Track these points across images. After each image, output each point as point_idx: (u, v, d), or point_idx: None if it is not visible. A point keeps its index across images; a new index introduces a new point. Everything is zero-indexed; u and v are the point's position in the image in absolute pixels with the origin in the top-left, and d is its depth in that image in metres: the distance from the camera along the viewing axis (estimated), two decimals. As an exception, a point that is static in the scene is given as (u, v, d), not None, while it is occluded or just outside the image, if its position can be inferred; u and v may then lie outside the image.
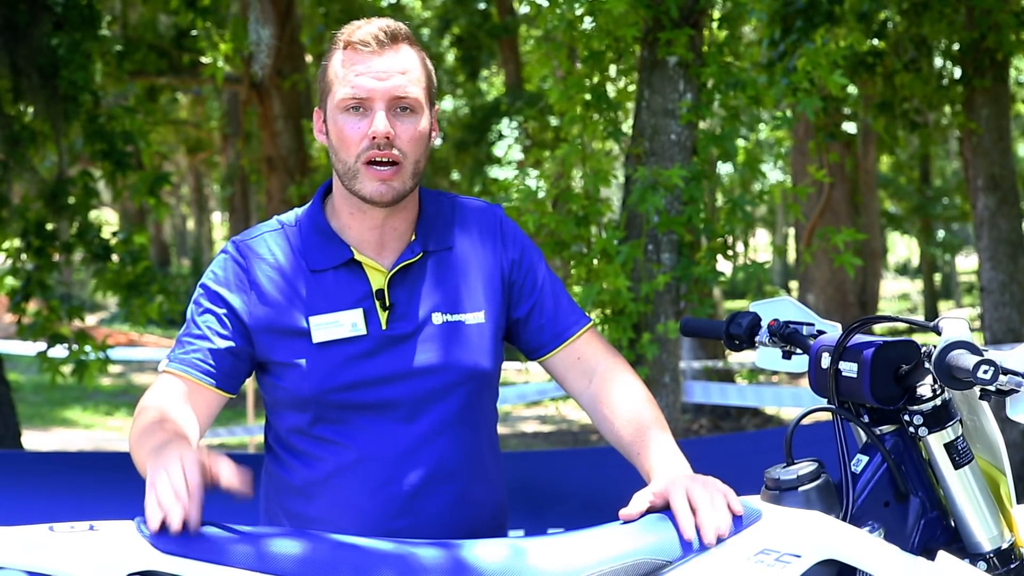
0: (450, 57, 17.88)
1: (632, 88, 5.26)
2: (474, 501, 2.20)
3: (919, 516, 2.05)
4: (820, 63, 4.92)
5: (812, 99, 4.99)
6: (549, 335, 2.28)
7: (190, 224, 36.85)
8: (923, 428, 2.03)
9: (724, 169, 13.07)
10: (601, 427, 2.24)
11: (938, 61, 9.48)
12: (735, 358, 13.38)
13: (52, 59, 6.77)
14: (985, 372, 1.83)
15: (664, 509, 1.95)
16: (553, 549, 1.88)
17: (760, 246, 40.50)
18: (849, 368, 2.05)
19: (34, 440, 11.25)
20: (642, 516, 1.95)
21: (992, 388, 1.88)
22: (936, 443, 2.04)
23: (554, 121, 11.57)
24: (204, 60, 10.08)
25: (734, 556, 1.87)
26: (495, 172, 15.43)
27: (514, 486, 2.66)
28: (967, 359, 1.85)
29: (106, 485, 3.73)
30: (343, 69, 2.13)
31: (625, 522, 1.94)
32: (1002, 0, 7.76)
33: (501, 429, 11.20)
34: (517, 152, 15.58)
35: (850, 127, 10.51)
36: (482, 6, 15.61)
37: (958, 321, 1.95)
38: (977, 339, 2.27)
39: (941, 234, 26.92)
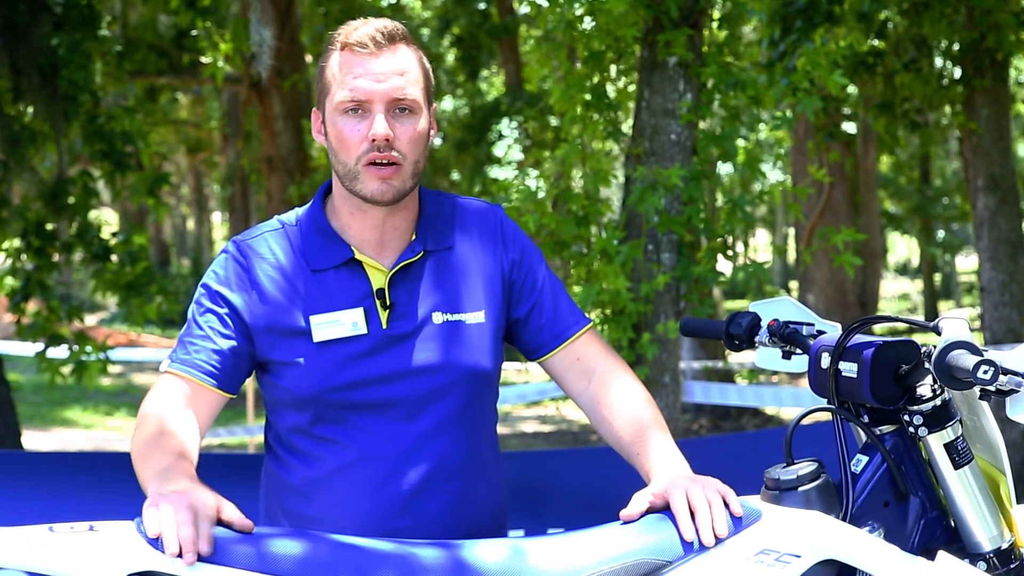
0: (450, 57, 17.88)
1: (632, 88, 5.26)
2: (474, 501, 2.20)
3: (919, 516, 2.05)
4: (820, 63, 4.92)
5: (812, 99, 4.99)
6: (548, 335, 2.29)
7: (190, 224, 36.86)
8: (923, 428, 2.03)
9: (724, 169, 13.08)
10: (600, 428, 2.24)
11: (938, 61, 9.48)
12: (735, 358, 13.39)
13: (52, 59, 6.77)
14: (985, 372, 1.83)
15: (664, 509, 1.95)
16: (553, 549, 1.88)
17: (760, 246, 40.49)
18: (849, 368, 2.05)
19: (34, 440, 11.25)
20: (642, 516, 1.95)
21: (992, 388, 1.88)
22: (936, 443, 2.04)
23: (554, 121, 11.57)
24: (204, 60, 10.08)
25: (734, 556, 1.87)
26: (495, 172, 15.43)
27: (514, 486, 2.66)
28: (967, 359, 1.85)
29: (106, 485, 3.73)
30: (341, 71, 2.13)
31: (625, 522, 1.94)
32: (1002, 0, 7.76)
33: (501, 429, 11.20)
34: (517, 152, 15.58)
35: (850, 127, 10.52)
36: (482, 6, 15.60)
37: (958, 321, 1.95)
38: (977, 339, 2.27)
39: (941, 234, 26.92)
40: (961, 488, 2.05)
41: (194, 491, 1.81)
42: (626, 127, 5.63)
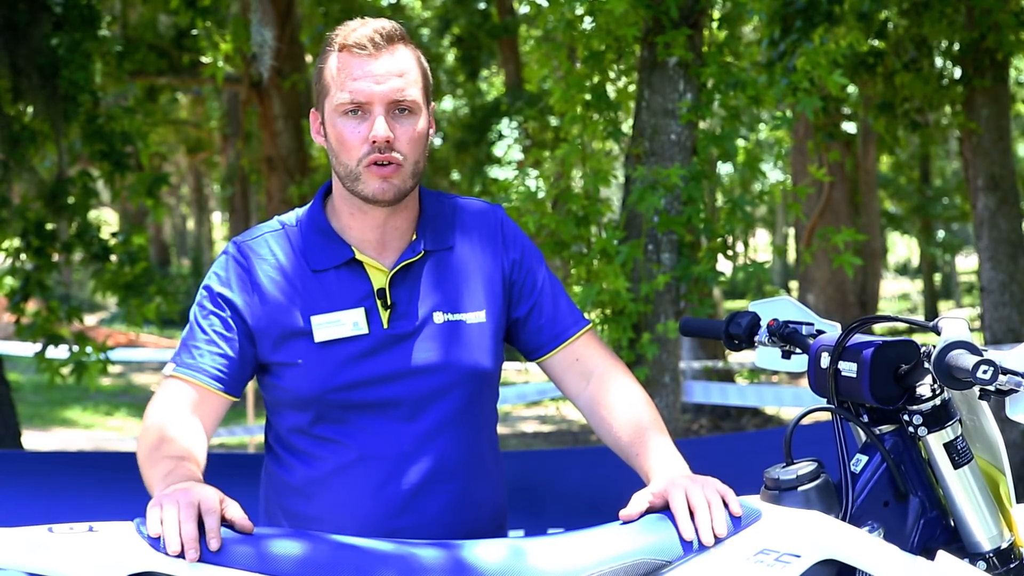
0: (450, 57, 17.88)
1: (632, 88, 5.26)
2: (474, 501, 2.20)
3: (919, 516, 2.05)
4: (820, 63, 4.92)
5: (812, 99, 4.99)
6: (548, 336, 2.29)
7: (190, 224, 36.86)
8: (923, 428, 2.03)
9: (724, 169, 13.07)
10: (598, 429, 2.24)
11: (938, 61, 9.48)
12: (735, 358, 13.39)
13: (52, 59, 6.78)
14: (984, 372, 1.83)
15: (663, 509, 1.95)
16: (553, 549, 1.88)
17: (760, 246, 40.48)
18: (848, 368, 2.05)
19: (34, 440, 11.25)
20: (641, 516, 1.95)
21: (991, 388, 1.88)
22: (935, 443, 2.04)
23: (554, 121, 11.57)
24: (204, 60, 10.08)
25: (734, 556, 1.87)
26: (495, 172, 15.42)
27: (514, 486, 2.66)
28: (966, 359, 1.85)
29: (106, 485, 3.73)
30: (340, 73, 2.12)
31: (625, 522, 1.94)
32: (1002, 0, 7.76)
33: (501, 429, 11.20)
34: (517, 152, 15.57)
35: (850, 127, 10.52)
36: (482, 6, 15.60)
37: (957, 321, 1.95)
38: (977, 339, 2.27)
39: (941, 234, 26.92)
40: (961, 488, 2.05)
41: (196, 488, 1.81)
42: (626, 127, 5.63)
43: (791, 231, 20.77)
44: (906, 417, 2.05)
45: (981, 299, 8.34)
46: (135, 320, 7.28)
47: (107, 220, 27.08)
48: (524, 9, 12.84)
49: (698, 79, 4.96)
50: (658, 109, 4.95)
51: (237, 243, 2.21)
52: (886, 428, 2.07)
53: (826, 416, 2.12)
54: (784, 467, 2.01)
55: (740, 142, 5.40)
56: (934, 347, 1.90)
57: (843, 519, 1.99)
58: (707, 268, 4.88)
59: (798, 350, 2.31)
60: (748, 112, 5.51)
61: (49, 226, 7.17)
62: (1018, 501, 2.14)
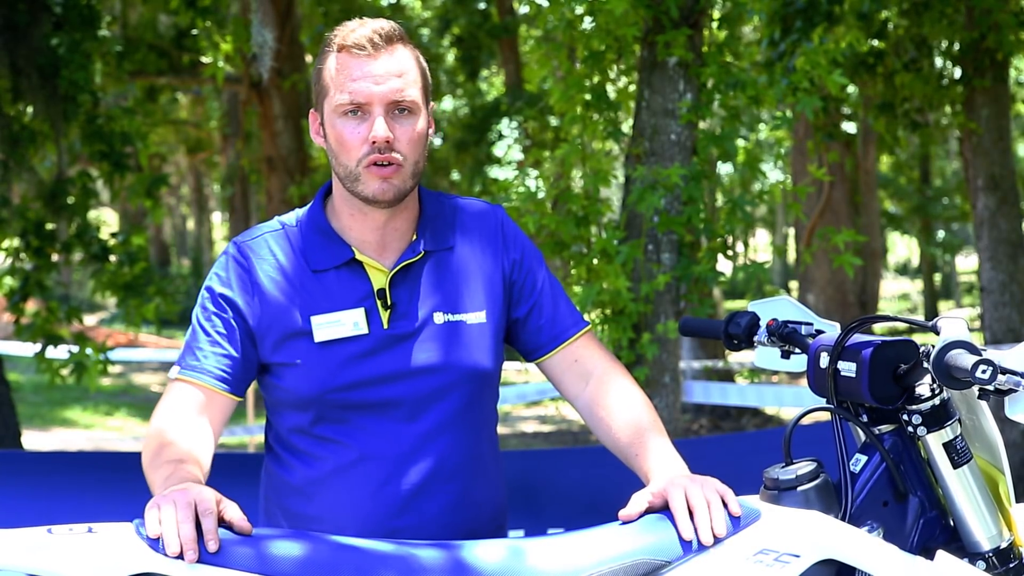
0: (450, 57, 17.88)
1: (632, 88, 5.26)
2: (474, 501, 2.20)
3: (918, 515, 2.05)
4: (819, 63, 4.92)
5: (812, 99, 4.99)
6: (547, 337, 2.29)
7: (190, 224, 36.86)
8: (922, 428, 2.03)
9: (724, 169, 13.08)
10: (597, 430, 2.23)
11: (938, 61, 9.48)
12: (735, 358, 13.40)
13: (52, 59, 6.78)
14: (983, 372, 1.83)
15: (663, 509, 1.95)
16: (553, 549, 1.88)
17: (760, 246, 40.49)
18: (848, 368, 2.05)
19: (34, 440, 11.25)
20: (641, 516, 1.95)
21: (990, 388, 1.88)
22: (935, 442, 2.04)
23: (554, 121, 11.57)
24: (204, 60, 10.08)
25: (733, 556, 1.87)
26: (495, 172, 15.43)
27: (514, 486, 2.66)
28: (965, 359, 1.85)
29: (106, 485, 3.73)
30: (339, 73, 2.12)
31: (624, 522, 1.94)
32: (1002, 0, 7.76)
33: (501, 429, 11.20)
34: (517, 152, 15.58)
35: (850, 127, 10.52)
36: (482, 6, 15.60)
37: (956, 321, 1.95)
38: (977, 339, 2.27)
39: (941, 234, 26.92)
40: (960, 487, 2.05)
41: (194, 489, 1.81)
42: (626, 127, 5.63)
43: (791, 231, 20.78)
44: (905, 417, 2.05)
45: (981, 299, 8.34)
46: (134, 321, 7.28)
47: (106, 221, 27.08)
48: (524, 9, 12.84)
49: (698, 79, 4.96)
50: (658, 109, 4.95)
51: (237, 243, 2.21)
52: (885, 428, 2.08)
53: (825, 416, 2.12)
54: (783, 467, 2.01)
55: (740, 142, 5.40)
56: (933, 347, 1.90)
57: (842, 519, 1.99)
58: (707, 268, 4.88)
59: (797, 350, 2.31)
60: (748, 112, 5.51)
61: (49, 226, 7.17)
62: (1017, 501, 2.14)
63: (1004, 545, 2.08)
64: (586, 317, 3.92)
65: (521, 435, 12.75)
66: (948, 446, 2.04)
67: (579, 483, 3.96)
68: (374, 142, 2.09)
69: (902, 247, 40.18)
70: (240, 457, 4.19)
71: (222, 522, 1.79)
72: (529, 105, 12.97)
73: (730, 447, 4.53)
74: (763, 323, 2.35)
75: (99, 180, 7.62)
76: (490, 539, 1.96)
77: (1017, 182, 8.45)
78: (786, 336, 2.30)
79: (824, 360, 2.12)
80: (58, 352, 7.13)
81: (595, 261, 4.91)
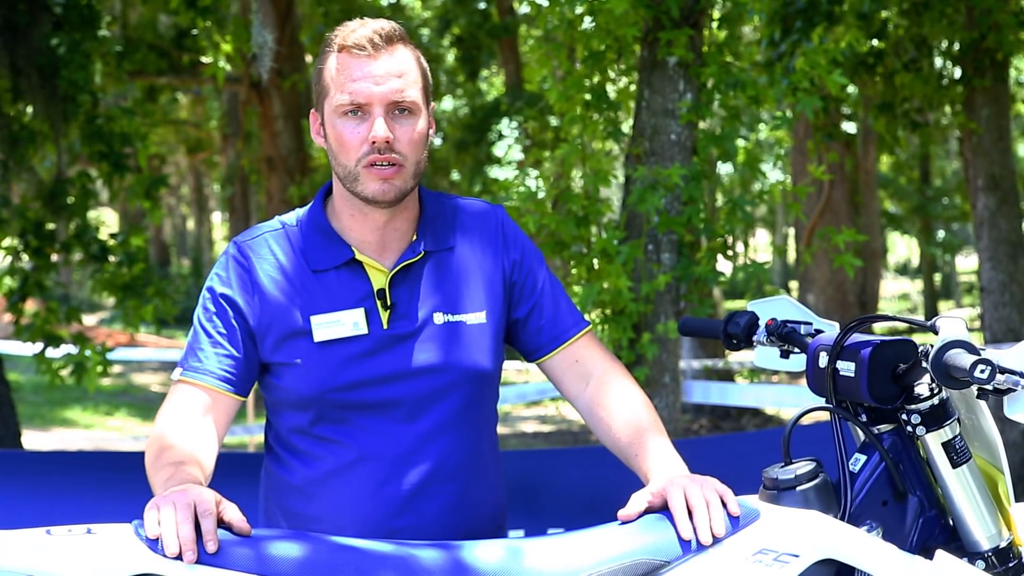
0: (450, 57, 17.88)
1: (632, 88, 5.26)
2: (474, 501, 2.20)
3: (917, 515, 2.05)
4: (819, 63, 4.92)
5: (812, 99, 4.99)
6: (547, 337, 2.29)
7: (190, 224, 36.86)
8: (921, 427, 2.03)
9: (724, 169, 13.08)
10: (597, 430, 2.23)
11: (938, 61, 9.48)
12: (735, 357, 13.39)
13: (52, 59, 6.78)
14: (982, 371, 1.83)
15: (662, 509, 1.95)
16: (552, 550, 1.88)
17: (760, 246, 40.49)
18: (847, 367, 2.06)
19: (34, 440, 11.25)
20: (640, 516, 1.95)
21: (989, 387, 1.88)
22: (934, 442, 2.04)
23: (554, 121, 11.57)
24: (204, 60, 10.08)
25: (732, 556, 1.87)
26: (495, 172, 15.43)
27: (514, 486, 2.67)
28: (964, 358, 1.85)
29: (106, 485, 3.73)
30: (339, 74, 2.12)
31: (624, 522, 1.94)
32: (1002, 0, 7.76)
33: (501, 429, 11.20)
34: (517, 152, 15.58)
35: (850, 127, 10.52)
36: (482, 6, 15.60)
37: (955, 320, 1.95)
38: (977, 339, 2.27)
39: (941, 234, 26.92)
40: (959, 487, 2.05)
41: (193, 490, 1.81)
42: (626, 127, 5.63)
43: (791, 231, 20.77)
44: (904, 416, 2.05)
45: (981, 299, 8.34)
46: (133, 322, 7.28)
47: (105, 221, 27.07)
48: (524, 9, 12.84)
49: (698, 79, 4.96)
50: (658, 109, 4.95)
51: (237, 243, 2.21)
52: (884, 427, 2.08)
53: (825, 416, 2.12)
54: (782, 467, 2.01)
55: (740, 142, 5.40)
56: (932, 346, 1.90)
57: (842, 518, 1.99)
58: (707, 268, 4.88)
59: (796, 349, 2.31)
60: (748, 112, 5.51)
61: (48, 226, 7.17)
62: (1017, 500, 2.14)
63: (1003, 544, 2.08)
64: (586, 317, 3.92)
65: (521, 435, 12.75)
66: (947, 445, 2.04)
67: (579, 483, 3.96)
68: (374, 142, 2.09)
69: (902, 247, 40.19)
70: (240, 457, 4.19)
71: (221, 523, 1.79)
72: (529, 105, 12.97)
73: (730, 447, 4.53)
74: (762, 323, 2.35)
75: (98, 180, 7.62)
76: (490, 539, 1.96)
77: (1017, 182, 8.45)
78: (785, 336, 2.30)
79: (823, 360, 2.12)
80: (58, 353, 7.13)
81: (595, 261, 4.91)
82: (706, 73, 4.92)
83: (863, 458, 2.05)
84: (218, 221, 34.14)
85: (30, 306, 7.52)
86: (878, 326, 2.67)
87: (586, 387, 2.27)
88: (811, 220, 11.13)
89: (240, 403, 2.17)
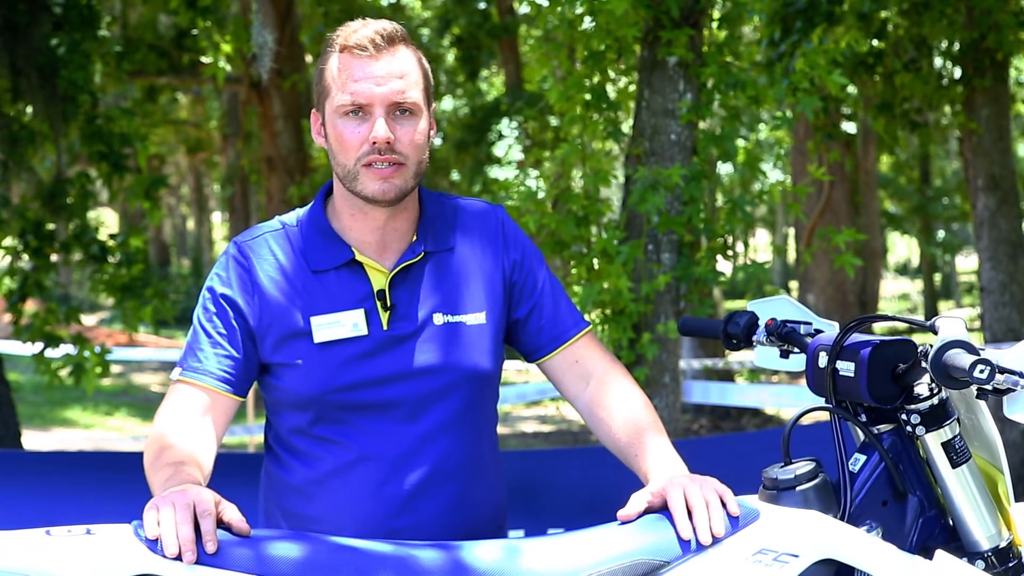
0: (450, 57, 17.88)
1: (632, 88, 5.26)
2: (473, 502, 2.20)
3: (917, 515, 2.05)
4: (818, 63, 4.92)
5: (812, 99, 4.99)
6: (548, 337, 2.29)
7: (190, 224, 36.86)
8: (920, 427, 2.03)
9: (724, 169, 13.07)
10: (597, 430, 2.23)
11: (938, 61, 9.48)
12: (735, 357, 13.39)
13: (52, 59, 6.78)
14: (981, 372, 1.83)
15: (662, 509, 1.95)
16: (551, 550, 1.88)
17: (760, 246, 40.49)
18: (846, 367, 2.05)
19: (34, 440, 11.25)
20: (640, 516, 1.95)
21: (989, 387, 1.88)
22: (934, 442, 2.04)
23: (554, 121, 11.57)
24: (204, 60, 10.09)
25: (732, 556, 1.87)
26: (495, 172, 15.44)
27: (514, 486, 2.67)
28: (963, 358, 1.85)
29: (106, 485, 3.73)
30: (340, 74, 2.12)
31: (623, 522, 1.94)
32: (1002, 0, 7.76)
33: (501, 429, 11.20)
34: (517, 152, 15.58)
35: (850, 127, 10.51)
36: (482, 6, 15.60)
37: (954, 320, 1.95)
38: (977, 339, 2.28)
39: (941, 234, 26.92)
40: (959, 487, 2.05)
41: (192, 490, 1.81)
42: (626, 127, 5.63)
43: (791, 231, 20.77)
44: (904, 416, 2.05)
45: (981, 299, 8.34)
46: (131, 323, 7.28)
47: (104, 222, 27.06)
48: (524, 9, 12.84)
49: (698, 79, 4.96)
50: (658, 109, 4.95)
51: (238, 243, 2.21)
52: (884, 427, 2.08)
53: (824, 416, 2.12)
54: (782, 467, 2.01)
55: (740, 142, 5.40)
56: (931, 346, 1.90)
57: (841, 518, 1.99)
58: (707, 268, 4.88)
59: (796, 349, 2.30)
60: (748, 112, 5.51)
61: (48, 226, 7.17)
62: (1016, 500, 2.14)
63: (1003, 544, 2.08)
64: (586, 317, 3.92)
65: (521, 435, 12.76)
66: (947, 445, 2.04)
67: (579, 483, 3.96)
68: (374, 143, 2.09)
69: (902, 247, 40.19)
70: (240, 457, 4.19)
71: (221, 523, 1.79)
72: (529, 105, 12.97)
73: (730, 447, 4.53)
74: (762, 323, 2.35)
75: (98, 181, 7.62)
76: (489, 539, 1.96)
77: (1017, 182, 8.45)
78: (785, 336, 2.29)
79: (823, 360, 2.12)
80: (57, 353, 7.13)
81: (595, 261, 4.91)
82: (706, 73, 4.92)
83: (863, 458, 2.05)
84: (218, 221, 34.14)
85: (30, 306, 7.51)
86: (878, 326, 2.67)
87: (586, 387, 2.27)
88: (811, 220, 11.13)
89: (239, 403, 2.17)
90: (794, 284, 21.40)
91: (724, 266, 5.35)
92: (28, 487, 3.75)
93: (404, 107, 2.12)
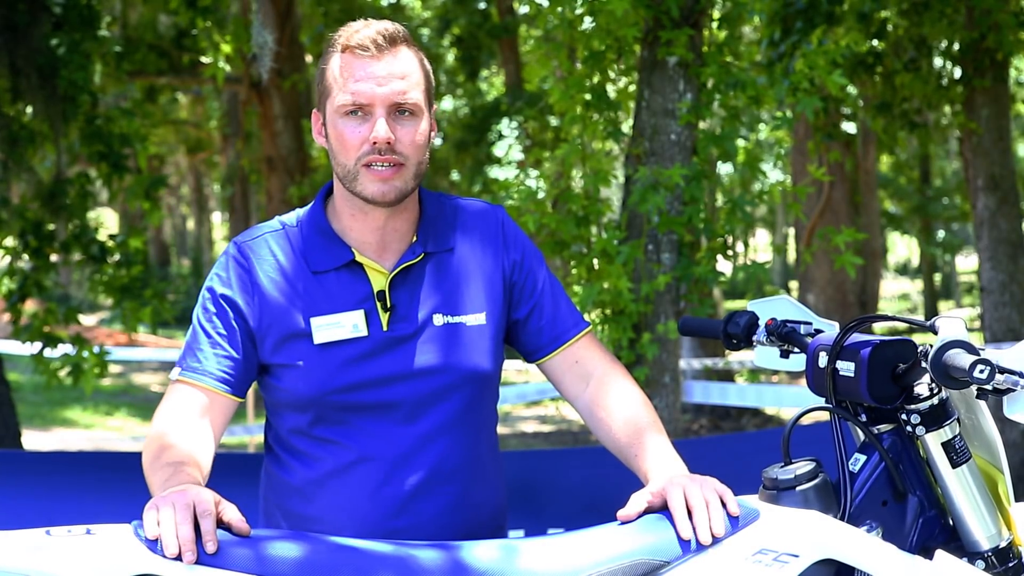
0: (450, 57, 17.88)
1: (632, 88, 5.26)
2: (473, 502, 2.20)
3: (917, 515, 2.05)
4: (818, 64, 4.92)
5: (812, 99, 4.99)
6: (548, 338, 2.28)
7: (190, 224, 36.86)
8: (920, 427, 2.03)
9: (724, 169, 13.07)
10: (597, 430, 2.23)
11: (938, 61, 9.48)
12: (735, 357, 13.39)
13: (51, 59, 6.78)
14: (981, 372, 1.83)
15: (662, 509, 1.95)
16: (551, 550, 1.88)
17: (760, 246, 40.49)
18: (846, 367, 2.05)
19: (34, 440, 11.25)
20: (640, 516, 1.95)
21: (988, 387, 1.88)
22: (934, 442, 2.04)
23: (554, 121, 11.57)
24: (204, 60, 10.09)
25: (732, 556, 1.87)
26: (495, 172, 15.44)
27: (514, 486, 2.66)
28: (963, 358, 1.85)
29: (106, 485, 3.73)
30: (342, 74, 2.12)
31: (623, 522, 1.94)
32: (1002, 0, 7.76)
33: (501, 429, 11.20)
34: (517, 152, 15.58)
35: (850, 127, 10.51)
36: (482, 6, 15.60)
37: (954, 320, 1.95)
38: (977, 339, 2.28)
39: (941, 234, 26.92)
40: (959, 487, 2.05)
41: (192, 490, 1.81)
42: (626, 127, 5.63)
43: (791, 231, 20.78)
44: (904, 416, 2.05)
45: (981, 299, 8.34)
46: (130, 324, 7.28)
47: (104, 223, 27.06)
48: (524, 9, 12.84)
49: (698, 79, 4.96)
50: (658, 109, 4.95)
51: (238, 243, 2.21)
52: (884, 427, 2.08)
53: (824, 416, 2.12)
54: (782, 467, 2.01)
55: (740, 142, 5.40)
56: (931, 346, 1.90)
57: (841, 518, 1.99)
58: (707, 268, 4.88)
59: (796, 349, 2.30)
60: (748, 112, 5.51)
61: (48, 227, 7.17)
62: (1017, 500, 2.14)
63: (1003, 544, 2.08)
64: (586, 317, 3.92)
65: (521, 435, 12.76)
66: (947, 445, 2.04)
67: (579, 483, 3.95)
68: (375, 143, 2.09)
69: (902, 247, 40.19)
70: (240, 457, 4.19)
71: (220, 523, 1.79)
72: (529, 105, 12.97)
73: (730, 447, 4.53)
74: (762, 323, 2.35)
75: (98, 181, 7.62)
76: (488, 540, 1.96)
77: (1017, 182, 8.45)
78: (785, 335, 2.29)
79: (823, 359, 2.12)
80: (55, 353, 7.13)
81: (595, 261, 4.91)
82: (706, 73, 4.92)
83: (863, 458, 2.05)
84: (218, 221, 34.14)
85: (29, 306, 7.51)
86: (878, 326, 2.67)
87: (586, 388, 2.27)
88: (811, 220, 11.13)
89: (238, 404, 2.17)
90: (794, 284, 21.40)
91: (724, 266, 5.35)
92: (28, 487, 3.75)
93: (405, 108, 2.12)
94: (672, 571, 1.86)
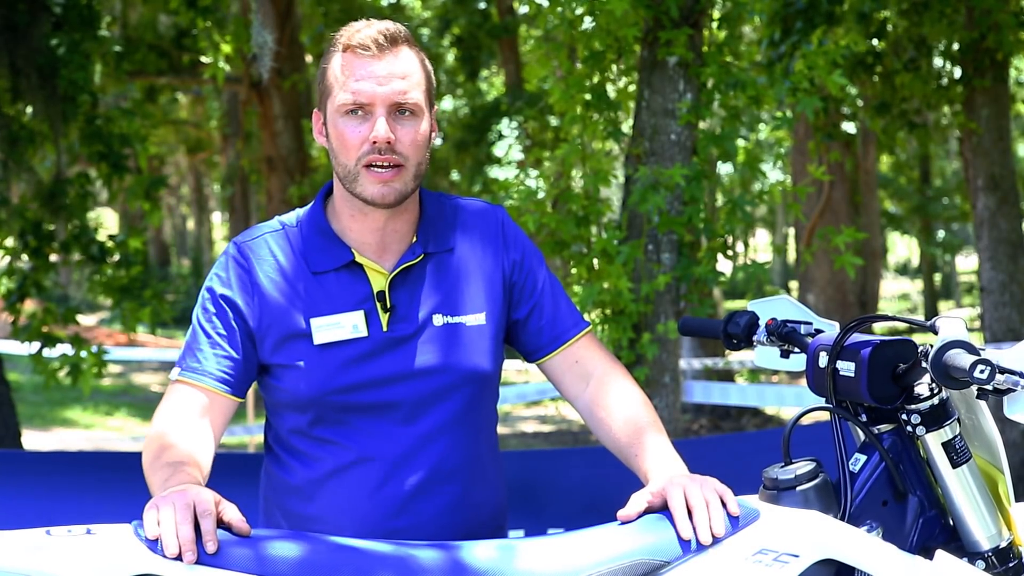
0: (450, 57, 17.88)
1: (632, 88, 5.26)
2: (473, 502, 2.20)
3: (917, 515, 2.05)
4: (818, 64, 4.93)
5: (812, 99, 4.99)
6: (548, 338, 2.28)
7: (190, 224, 36.86)
8: (921, 427, 2.03)
9: (724, 169, 13.07)
10: (597, 430, 2.23)
11: (938, 61, 9.48)
12: (735, 357, 13.39)
13: (51, 59, 6.77)
14: (982, 372, 1.83)
15: (662, 509, 1.95)
16: (551, 550, 1.88)
17: (760, 246, 40.49)
18: (847, 367, 2.05)
19: (34, 440, 11.25)
20: (640, 516, 1.95)
21: (989, 387, 1.88)
22: (934, 442, 2.04)
23: (554, 121, 11.57)
24: (204, 60, 10.09)
25: (732, 556, 1.87)
26: (495, 172, 15.44)
27: (514, 486, 2.66)
28: (963, 358, 1.85)
29: (106, 485, 3.73)
30: (343, 73, 2.12)
31: (623, 522, 1.94)
32: (1002, 0, 7.76)
33: (501, 429, 11.20)
34: (517, 152, 15.58)
35: (850, 127, 10.51)
36: (482, 6, 15.60)
37: (955, 320, 1.95)
38: (977, 339, 2.28)
39: (941, 234, 26.92)
40: (959, 487, 2.05)
41: (192, 490, 1.81)
42: (626, 127, 5.63)
43: (791, 231, 20.77)
44: (904, 416, 2.05)
45: (981, 299, 8.34)
46: (130, 324, 7.28)
47: (104, 223, 27.05)
48: (524, 9, 12.83)
49: (698, 79, 4.96)
50: (658, 109, 4.95)
51: (237, 243, 2.21)
52: (884, 427, 2.08)
53: (825, 416, 2.12)
54: (782, 467, 2.01)
55: (740, 142, 5.40)
56: (932, 346, 1.90)
57: (842, 518, 1.99)
58: (707, 268, 4.88)
59: (796, 349, 2.30)
60: (748, 112, 5.51)
61: (48, 227, 7.16)
62: (1017, 500, 2.14)
63: (1003, 544, 2.08)
64: (586, 317, 3.93)
65: (521, 435, 12.76)
66: (947, 445, 2.04)
67: (579, 483, 3.96)
68: (375, 142, 2.09)
69: (902, 247, 40.19)
70: (240, 457, 4.19)
71: (221, 523, 1.79)
72: (529, 105, 12.97)
73: (730, 447, 4.53)
74: (762, 323, 2.35)
75: (98, 181, 7.62)
76: (488, 539, 1.96)
77: (1017, 182, 8.45)
78: (785, 335, 2.29)
79: (823, 359, 2.12)
80: (54, 353, 7.13)
81: (595, 261, 4.91)
82: (706, 73, 4.92)
83: (863, 458, 2.05)
84: (218, 221, 34.14)
85: (28, 306, 7.50)
86: (878, 326, 2.67)
87: (586, 387, 2.27)
88: (811, 220, 11.13)
89: (238, 404, 2.17)
90: (794, 284, 21.40)
91: (724, 266, 5.35)
92: (28, 487, 3.75)
93: (405, 108, 2.12)
94: (672, 571, 1.86)
